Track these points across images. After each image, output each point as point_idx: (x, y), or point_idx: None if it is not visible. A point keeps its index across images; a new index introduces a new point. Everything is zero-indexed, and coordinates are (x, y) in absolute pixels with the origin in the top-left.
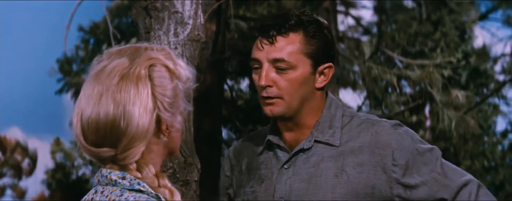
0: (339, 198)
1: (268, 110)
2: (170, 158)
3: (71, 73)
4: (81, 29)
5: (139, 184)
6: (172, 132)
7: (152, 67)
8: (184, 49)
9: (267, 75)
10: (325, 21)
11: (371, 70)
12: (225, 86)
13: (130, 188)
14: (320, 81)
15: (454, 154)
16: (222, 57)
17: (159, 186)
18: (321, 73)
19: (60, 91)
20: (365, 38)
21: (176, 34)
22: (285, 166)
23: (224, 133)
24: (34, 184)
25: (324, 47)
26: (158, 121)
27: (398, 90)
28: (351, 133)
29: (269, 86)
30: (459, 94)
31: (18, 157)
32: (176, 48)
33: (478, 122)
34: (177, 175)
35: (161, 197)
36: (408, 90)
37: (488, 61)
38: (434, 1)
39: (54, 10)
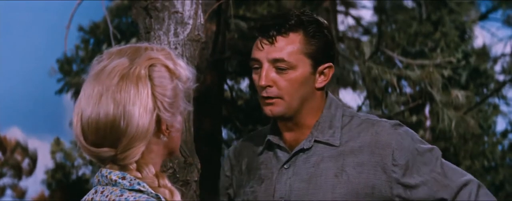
0: (339, 198)
1: (268, 110)
2: (170, 158)
3: (71, 73)
4: (81, 29)
5: (139, 184)
6: (172, 132)
7: (152, 67)
8: (184, 49)
9: (267, 75)
10: (325, 21)
11: (371, 70)
12: (225, 86)
13: (130, 188)
14: (320, 81)
15: (454, 154)
16: (222, 57)
17: (159, 186)
18: (321, 73)
19: (60, 91)
20: (365, 38)
21: (176, 34)
22: (285, 166)
23: (224, 133)
24: (34, 184)
25: (324, 47)
26: (158, 121)
27: (398, 90)
28: (351, 133)
29: (269, 86)
30: (459, 94)
31: (18, 157)
32: (176, 48)
33: (478, 122)
34: (177, 175)
35: (161, 197)
36: (408, 90)
37: (488, 61)
38: (434, 1)
39: (54, 10)
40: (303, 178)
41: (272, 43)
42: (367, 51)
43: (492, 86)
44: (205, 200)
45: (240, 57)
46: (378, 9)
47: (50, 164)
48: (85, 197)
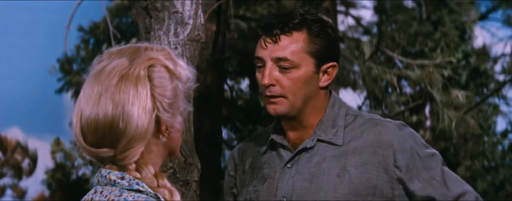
0: (340, 198)
1: (271, 109)
2: (170, 158)
3: (71, 73)
4: (81, 29)
5: (138, 184)
6: (172, 133)
7: (152, 68)
8: (184, 49)
9: (270, 74)
10: (330, 20)
11: (371, 70)
12: (225, 86)
13: (129, 188)
14: (324, 80)
15: (454, 154)
16: (222, 57)
17: (158, 186)
18: (325, 72)
19: (60, 90)
20: (365, 38)
21: (176, 34)
22: (288, 165)
23: (224, 133)
24: (34, 184)
25: (328, 46)
26: (158, 121)
27: (398, 90)
28: (354, 133)
29: (272, 85)
30: (459, 94)
31: (18, 157)
32: (176, 48)
33: (478, 122)
34: (177, 175)
35: (160, 197)
36: (408, 90)
37: (488, 61)
38: (434, 1)
39: (54, 10)
40: (305, 177)
41: (275, 42)
42: (367, 51)
43: (492, 86)
44: (205, 200)
45: (240, 57)
46: (378, 9)
47: (50, 164)
48: (85, 197)
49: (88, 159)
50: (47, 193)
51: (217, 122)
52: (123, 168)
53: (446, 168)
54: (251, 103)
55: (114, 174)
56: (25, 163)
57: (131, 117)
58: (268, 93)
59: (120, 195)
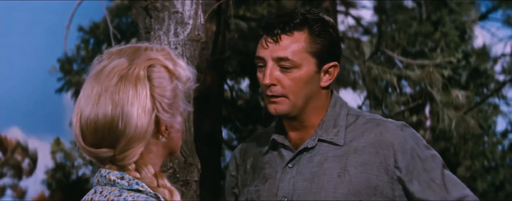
0: (340, 198)
1: (272, 108)
2: (170, 158)
3: (71, 72)
4: (81, 29)
5: (137, 184)
6: (172, 133)
7: (151, 68)
8: (184, 49)
9: (271, 73)
10: (331, 20)
11: (371, 70)
12: (225, 86)
13: (128, 188)
14: (325, 80)
15: (454, 154)
16: (222, 57)
17: (158, 186)
18: (326, 72)
19: (60, 90)
20: (365, 38)
21: (176, 34)
22: (289, 165)
23: (224, 133)
24: (34, 184)
25: (329, 46)
26: (157, 122)
27: (398, 90)
28: (355, 133)
29: (273, 84)
30: (459, 94)
31: (18, 157)
32: (176, 48)
33: (478, 122)
34: (177, 175)
35: (160, 196)
36: (408, 90)
37: (488, 61)
38: (434, 1)
39: (54, 10)
40: (306, 177)
41: (276, 41)
42: (367, 51)
43: (492, 86)
44: (205, 200)
45: (240, 57)
46: (378, 9)
47: (50, 164)
48: (85, 197)
49: (88, 159)
50: (47, 193)
51: (217, 122)
52: (122, 168)
53: (446, 171)
54: (251, 103)
55: (114, 174)
56: (25, 163)
57: (131, 117)
58: (269, 93)
59: (120, 195)
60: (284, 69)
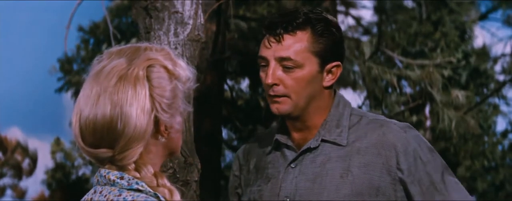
0: (343, 198)
1: (274, 108)
2: (170, 158)
3: (71, 72)
4: (81, 29)
5: (137, 183)
6: (171, 133)
7: (151, 68)
8: (184, 49)
9: (273, 73)
10: (334, 19)
11: (371, 70)
12: (225, 86)
13: (128, 187)
14: (328, 80)
15: (454, 154)
16: (222, 57)
17: (158, 185)
18: (329, 71)
19: (60, 90)
20: (365, 38)
21: (176, 34)
22: (292, 165)
23: (224, 133)
24: (34, 184)
25: (332, 46)
26: (156, 122)
27: (398, 90)
28: (358, 133)
29: (276, 84)
30: (459, 94)
31: (18, 157)
32: (176, 48)
33: (478, 122)
34: (177, 175)
35: (160, 196)
36: (408, 90)
37: (488, 61)
38: (434, 1)
39: (54, 10)
40: (308, 178)
41: (279, 41)
42: (367, 51)
43: (492, 86)
44: (205, 200)
45: (240, 57)
46: (378, 9)
47: (50, 164)
48: (85, 197)
49: (88, 159)
50: (47, 193)
51: (217, 122)
52: (122, 168)
53: (448, 175)
54: (251, 103)
55: (113, 174)
56: (25, 163)
57: (129, 117)
58: (271, 93)
59: (120, 195)
60: (286, 68)
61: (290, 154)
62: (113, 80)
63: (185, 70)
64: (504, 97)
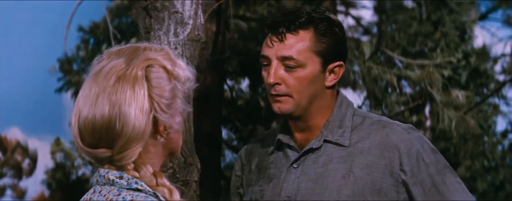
0: (344, 199)
1: (276, 107)
2: (170, 158)
3: (71, 72)
4: (81, 29)
5: (136, 183)
6: (171, 133)
7: (149, 68)
8: (184, 49)
9: (275, 72)
10: (337, 19)
11: (371, 70)
12: (225, 86)
13: (127, 187)
14: (330, 80)
15: (454, 154)
16: (222, 57)
17: (157, 185)
18: (331, 71)
19: (60, 90)
20: (365, 38)
21: (176, 34)
22: (294, 165)
23: (224, 133)
24: (34, 184)
25: (334, 45)
26: (155, 122)
27: (398, 90)
28: (361, 134)
29: (278, 83)
30: (459, 94)
31: (18, 157)
32: (176, 48)
33: (478, 122)
34: (177, 175)
35: (160, 195)
36: (408, 90)
37: (488, 61)
38: (434, 1)
39: (54, 10)
40: (310, 178)
41: (281, 40)
42: (367, 51)
43: (492, 86)
44: (205, 200)
45: (240, 57)
46: (378, 9)
47: (50, 164)
48: (84, 196)
49: (87, 159)
50: (47, 193)
51: (217, 122)
52: (121, 168)
53: (451, 176)
54: (251, 103)
55: (113, 174)
56: (25, 163)
57: (128, 117)
58: (273, 92)
59: (119, 195)
60: (288, 68)
61: (292, 154)
62: (112, 80)
63: (184, 70)
64: (504, 97)
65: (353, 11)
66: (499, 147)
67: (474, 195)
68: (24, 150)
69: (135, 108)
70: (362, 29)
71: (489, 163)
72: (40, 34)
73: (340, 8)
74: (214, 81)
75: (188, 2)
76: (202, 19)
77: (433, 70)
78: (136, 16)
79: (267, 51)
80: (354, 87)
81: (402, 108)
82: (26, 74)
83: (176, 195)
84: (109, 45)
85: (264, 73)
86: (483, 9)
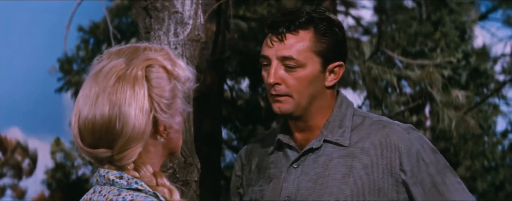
0: (344, 199)
1: (276, 107)
2: (170, 158)
3: (71, 72)
4: (81, 29)
5: (136, 183)
6: (171, 133)
7: (149, 68)
8: (184, 49)
9: (275, 72)
10: (337, 19)
11: (371, 70)
12: (225, 86)
13: (127, 187)
14: (330, 80)
15: (454, 154)
16: (222, 57)
17: (157, 184)
18: (331, 71)
19: (60, 90)
20: (365, 38)
21: (176, 34)
22: (294, 165)
23: (224, 133)
24: (34, 184)
25: (334, 46)
26: (155, 122)
27: (398, 90)
28: (361, 134)
29: (278, 83)
30: (459, 94)
31: (18, 157)
32: (176, 48)
33: (478, 122)
34: (177, 175)
35: (160, 195)
36: (408, 90)
37: (488, 61)
38: (434, 1)
39: (54, 10)
40: (310, 178)
41: (281, 40)
42: (367, 51)
43: (492, 86)
44: (205, 200)
45: (240, 57)
46: (378, 9)
47: (50, 164)
48: (84, 196)
49: (87, 159)
50: (47, 193)
51: (217, 122)
52: (121, 168)
53: (451, 176)
54: (251, 103)
55: (113, 174)
56: (25, 163)
57: (128, 117)
58: (273, 92)
59: (119, 195)
60: (288, 68)
61: (292, 154)
62: (112, 80)
63: (184, 70)
64: (504, 97)
65: (353, 11)
66: (499, 147)
67: (474, 195)
68: (24, 150)
69: (135, 108)
70: (362, 29)
71: (489, 163)
72: (40, 34)
73: (340, 8)
74: (214, 81)
75: (188, 2)
76: (202, 19)
77: (433, 70)
78: (136, 16)
79: (267, 51)
80: (354, 87)
81: (402, 108)
82: (26, 74)
83: (176, 195)
84: (109, 45)
85: (264, 73)
86: (483, 9)
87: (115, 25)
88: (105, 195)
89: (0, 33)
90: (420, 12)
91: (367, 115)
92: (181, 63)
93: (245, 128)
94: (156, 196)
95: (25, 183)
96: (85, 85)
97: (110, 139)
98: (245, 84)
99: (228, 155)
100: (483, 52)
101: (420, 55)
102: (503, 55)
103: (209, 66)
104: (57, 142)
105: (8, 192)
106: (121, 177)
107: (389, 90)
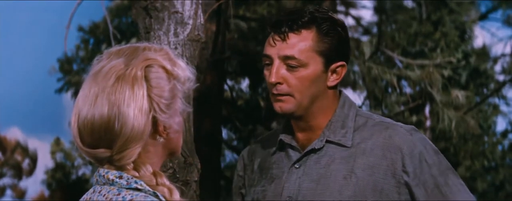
0: (346, 199)
1: (277, 107)
2: (171, 158)
3: (71, 72)
4: (81, 29)
5: (136, 182)
6: (170, 134)
7: (149, 68)
8: (184, 49)
9: (277, 72)
10: (340, 19)
11: (371, 70)
12: (225, 86)
13: (127, 187)
14: (332, 80)
15: (454, 154)
16: (222, 57)
17: (157, 184)
18: (334, 71)
19: (60, 90)
20: (365, 38)
21: (176, 34)
22: (295, 166)
23: (224, 133)
24: (34, 184)
25: (337, 45)
26: (155, 122)
27: (398, 90)
28: (363, 135)
29: (279, 83)
30: (459, 94)
31: (18, 157)
32: (176, 48)
33: (478, 122)
34: (177, 175)
35: (159, 195)
36: (408, 90)
37: (488, 61)
38: (434, 1)
39: (54, 10)
40: (312, 178)
41: (283, 39)
42: (367, 51)
43: (492, 86)
44: (205, 200)
45: (240, 57)
46: (378, 9)
47: (50, 164)
48: (84, 196)
49: (87, 159)
50: (47, 193)
51: (217, 122)
52: (120, 167)
53: (454, 177)
54: (251, 103)
55: (112, 174)
56: (25, 163)
57: (127, 117)
58: (275, 91)
59: (119, 194)
60: (290, 67)
61: (294, 155)
62: (111, 80)
63: (184, 70)
64: (504, 97)
65: (353, 11)
66: (499, 147)
67: (474, 195)
68: (24, 150)
69: (134, 108)
70: (362, 29)
71: (489, 163)
72: (40, 34)
73: (340, 8)
74: (214, 81)
75: (188, 2)
76: (202, 19)
77: (433, 70)
78: (136, 16)
79: (269, 50)
80: (354, 87)
81: (402, 108)
82: (26, 74)
83: (176, 194)
84: (109, 45)
85: (266, 72)
86: (483, 9)
87: (115, 25)
88: (105, 194)
89: (0, 33)
90: (420, 12)
91: (370, 116)
92: (181, 63)
93: (245, 128)
94: (156, 196)
95: (25, 183)
96: (84, 85)
97: (109, 139)
98: (245, 84)
99: (228, 155)
100: (483, 52)
101: (420, 55)
102: (503, 55)
103: (209, 66)
104: (57, 142)
105: (8, 192)
106: (120, 177)
107: (389, 90)
